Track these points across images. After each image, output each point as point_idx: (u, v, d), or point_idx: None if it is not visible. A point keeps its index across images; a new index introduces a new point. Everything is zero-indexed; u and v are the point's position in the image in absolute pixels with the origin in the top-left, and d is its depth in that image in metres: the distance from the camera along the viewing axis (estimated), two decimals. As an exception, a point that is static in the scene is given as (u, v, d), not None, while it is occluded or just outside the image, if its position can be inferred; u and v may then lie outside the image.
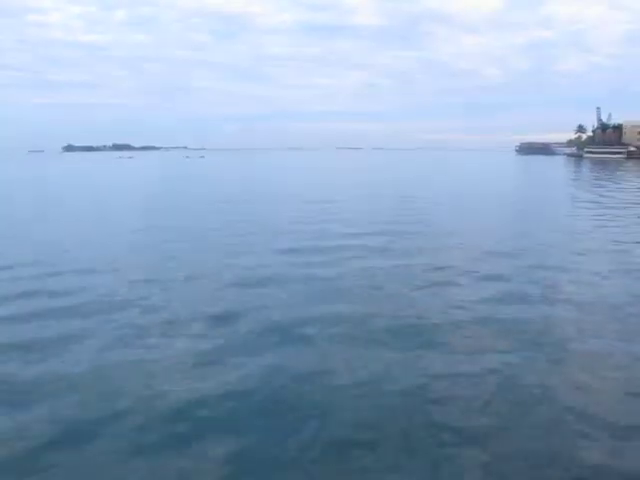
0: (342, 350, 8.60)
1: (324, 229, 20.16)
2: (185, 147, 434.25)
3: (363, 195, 35.91)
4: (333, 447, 6.05)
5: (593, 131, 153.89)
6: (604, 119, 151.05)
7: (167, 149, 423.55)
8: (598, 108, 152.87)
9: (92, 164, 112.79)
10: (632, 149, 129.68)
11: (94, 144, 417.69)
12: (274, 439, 6.18)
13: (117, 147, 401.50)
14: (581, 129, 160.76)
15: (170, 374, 7.78)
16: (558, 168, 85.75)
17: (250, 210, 27.14)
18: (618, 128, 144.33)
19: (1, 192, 42.15)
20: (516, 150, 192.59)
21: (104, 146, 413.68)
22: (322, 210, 25.77)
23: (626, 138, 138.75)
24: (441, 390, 7.31)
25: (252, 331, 9.44)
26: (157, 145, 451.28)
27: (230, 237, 18.74)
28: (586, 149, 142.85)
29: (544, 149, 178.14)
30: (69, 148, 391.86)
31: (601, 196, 34.77)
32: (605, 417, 6.55)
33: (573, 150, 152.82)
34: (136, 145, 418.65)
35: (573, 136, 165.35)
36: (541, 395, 7.12)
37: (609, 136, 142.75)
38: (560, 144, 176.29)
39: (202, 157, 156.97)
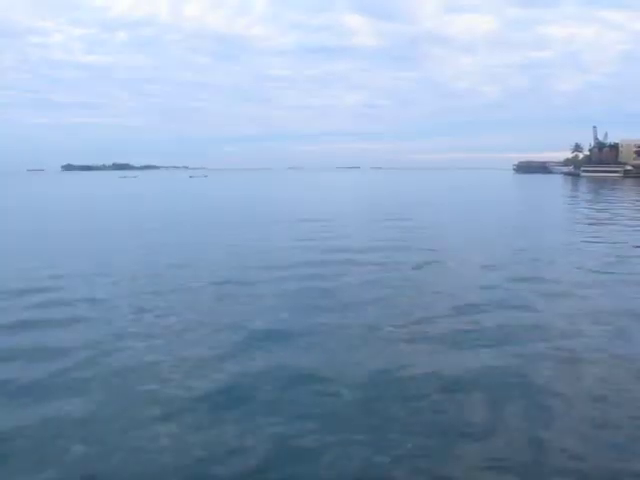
0: (346, 354, 8.82)
1: (329, 246, 20.47)
2: (185, 167, 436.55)
3: (364, 214, 36.25)
4: (336, 442, 6.23)
5: (590, 150, 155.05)
6: (600, 138, 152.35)
7: (167, 168, 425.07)
8: (594, 127, 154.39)
9: (99, 184, 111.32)
10: (629, 168, 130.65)
11: (93, 163, 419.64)
12: (275, 443, 6.34)
13: (117, 166, 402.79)
14: (578, 148, 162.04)
15: (178, 377, 7.97)
16: (556, 187, 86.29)
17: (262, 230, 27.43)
18: (615, 147, 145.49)
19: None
20: (514, 169, 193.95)
21: (103, 165, 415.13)
22: (329, 229, 26.07)
23: (623, 157, 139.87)
24: (437, 391, 7.53)
25: (257, 337, 9.64)
26: (157, 165, 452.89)
27: (239, 255, 19.01)
28: (583, 168, 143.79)
29: (542, 168, 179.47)
30: (68, 167, 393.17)
31: (600, 212, 35.16)
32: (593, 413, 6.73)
33: (570, 169, 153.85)
34: (136, 165, 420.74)
35: (570, 155, 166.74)
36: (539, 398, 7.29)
37: (606, 155, 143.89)
38: (557, 163, 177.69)
39: (205, 176, 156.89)
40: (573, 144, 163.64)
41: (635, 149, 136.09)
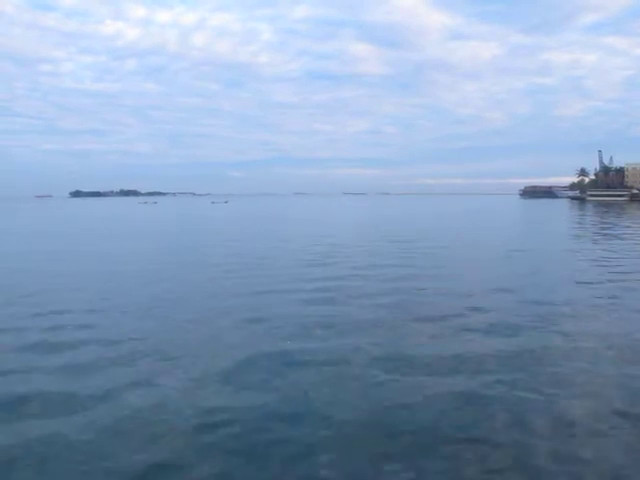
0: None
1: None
2: (192, 193, 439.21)
3: (378, 241, 35.76)
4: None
5: (595, 174, 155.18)
6: (606, 162, 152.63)
7: (174, 194, 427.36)
8: (600, 151, 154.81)
9: (132, 212, 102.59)
10: (635, 191, 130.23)
11: (101, 190, 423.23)
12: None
13: (124, 193, 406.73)
14: (584, 172, 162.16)
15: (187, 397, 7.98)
16: (563, 211, 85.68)
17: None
18: (620, 171, 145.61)
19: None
20: (520, 194, 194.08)
21: (111, 192, 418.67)
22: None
23: (628, 181, 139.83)
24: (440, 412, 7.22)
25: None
26: (163, 191, 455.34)
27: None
28: (589, 192, 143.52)
29: (547, 192, 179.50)
30: (76, 194, 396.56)
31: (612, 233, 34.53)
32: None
33: (576, 193, 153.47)
34: (143, 191, 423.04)
35: (576, 179, 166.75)
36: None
37: (611, 179, 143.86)
38: (563, 187, 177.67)
39: (226, 202, 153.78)
40: (579, 169, 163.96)
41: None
